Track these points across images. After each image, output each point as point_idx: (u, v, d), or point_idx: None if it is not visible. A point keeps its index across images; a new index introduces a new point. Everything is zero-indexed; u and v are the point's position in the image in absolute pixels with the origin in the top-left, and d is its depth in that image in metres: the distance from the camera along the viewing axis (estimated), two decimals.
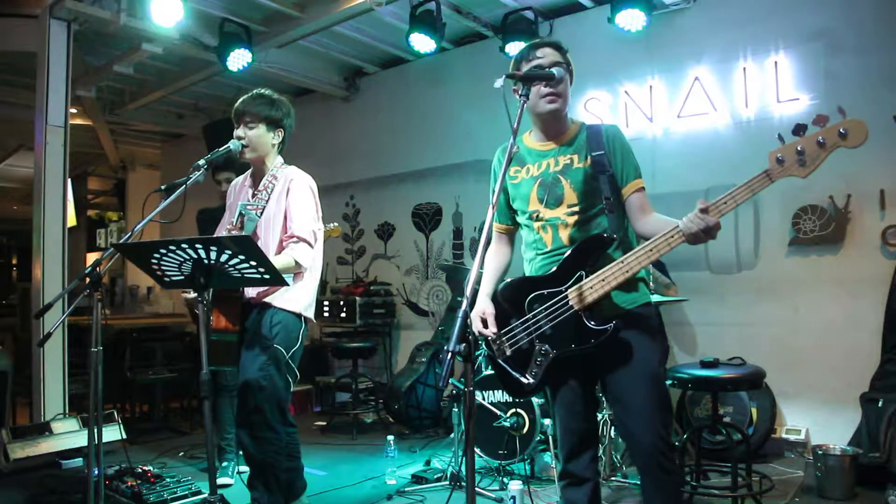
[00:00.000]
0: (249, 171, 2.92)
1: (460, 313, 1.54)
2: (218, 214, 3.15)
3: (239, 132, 2.74)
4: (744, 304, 4.39)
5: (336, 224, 3.94)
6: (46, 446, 4.16)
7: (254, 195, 2.79)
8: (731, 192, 1.83)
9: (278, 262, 2.52)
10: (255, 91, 2.82)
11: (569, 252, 2.07)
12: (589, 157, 2.11)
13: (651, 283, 3.82)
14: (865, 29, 4.05)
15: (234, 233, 2.73)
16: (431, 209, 6.19)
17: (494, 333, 2.10)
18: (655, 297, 3.63)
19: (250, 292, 2.68)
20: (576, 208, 2.11)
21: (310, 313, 2.78)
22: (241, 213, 2.75)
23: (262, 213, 2.72)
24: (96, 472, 2.56)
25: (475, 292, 2.11)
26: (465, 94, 5.80)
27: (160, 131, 8.71)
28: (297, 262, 2.60)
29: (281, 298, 2.66)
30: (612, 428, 3.59)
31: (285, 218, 2.70)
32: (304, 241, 2.65)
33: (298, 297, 2.71)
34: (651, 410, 2.01)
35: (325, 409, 5.98)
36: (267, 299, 2.66)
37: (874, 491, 3.39)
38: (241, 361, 2.66)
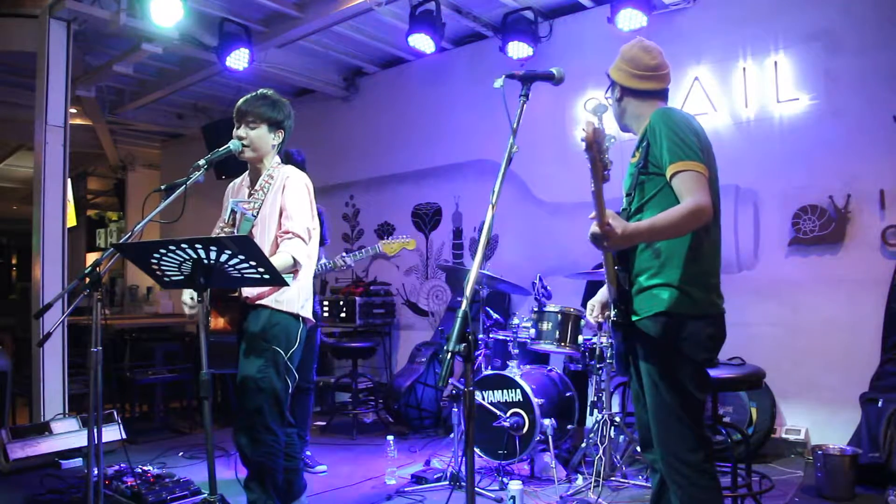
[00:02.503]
0: (247, 172, 2.91)
1: (460, 313, 1.54)
2: None
3: (240, 132, 2.73)
4: (744, 304, 4.37)
5: (408, 237, 4.04)
6: (46, 446, 4.16)
7: (250, 195, 2.79)
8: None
9: (277, 262, 2.51)
10: (257, 91, 2.82)
11: None
12: (639, 151, 2.13)
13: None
14: (865, 29, 4.05)
15: (227, 230, 2.72)
16: (431, 209, 6.19)
17: (594, 319, 2.36)
18: None
19: (246, 293, 2.67)
20: (624, 203, 2.17)
21: (307, 312, 2.77)
22: (232, 210, 2.74)
23: (258, 213, 2.72)
24: (96, 472, 2.56)
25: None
26: (465, 94, 5.80)
27: (160, 131, 8.71)
28: (294, 259, 2.59)
29: (277, 299, 2.65)
30: (612, 428, 3.59)
31: (280, 216, 2.69)
32: (299, 237, 2.64)
33: (294, 297, 2.70)
34: (652, 420, 2.08)
35: (324, 409, 5.98)
36: (263, 301, 2.64)
37: (874, 491, 3.39)
38: (239, 363, 2.65)
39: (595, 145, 1.58)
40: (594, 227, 1.74)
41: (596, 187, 1.66)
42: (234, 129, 2.75)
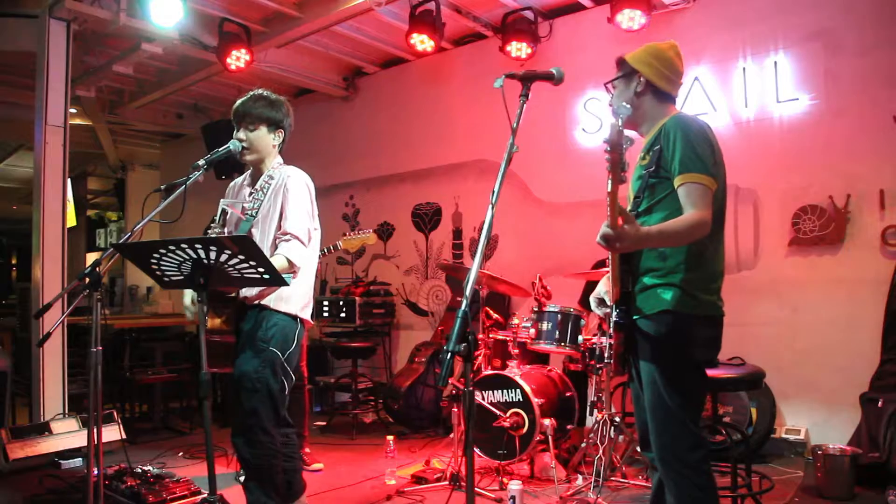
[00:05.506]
0: (249, 172, 2.91)
1: (460, 313, 1.54)
2: None
3: (240, 135, 2.72)
4: (743, 304, 4.38)
5: (370, 232, 4.02)
6: (46, 446, 4.16)
7: (250, 194, 2.78)
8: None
9: (273, 263, 2.51)
10: (253, 92, 2.80)
11: None
12: (648, 155, 2.14)
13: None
14: (865, 29, 4.05)
15: (216, 230, 2.71)
16: (431, 209, 6.19)
17: (604, 313, 2.25)
18: None
19: (245, 293, 2.66)
20: (629, 206, 2.16)
21: (306, 314, 2.76)
22: (223, 210, 2.73)
23: (257, 213, 2.71)
24: (96, 472, 2.55)
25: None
26: (465, 94, 5.80)
27: (160, 131, 8.71)
28: (289, 262, 2.57)
29: (277, 300, 2.64)
30: (612, 428, 3.59)
31: (281, 216, 2.68)
32: (297, 238, 2.62)
33: (294, 299, 2.69)
34: (651, 419, 2.08)
35: (324, 408, 5.98)
36: (262, 301, 2.64)
37: (874, 491, 3.39)
38: (236, 363, 2.64)
39: (618, 147, 1.60)
40: (605, 229, 1.76)
41: (613, 188, 1.68)
42: (235, 132, 2.75)
